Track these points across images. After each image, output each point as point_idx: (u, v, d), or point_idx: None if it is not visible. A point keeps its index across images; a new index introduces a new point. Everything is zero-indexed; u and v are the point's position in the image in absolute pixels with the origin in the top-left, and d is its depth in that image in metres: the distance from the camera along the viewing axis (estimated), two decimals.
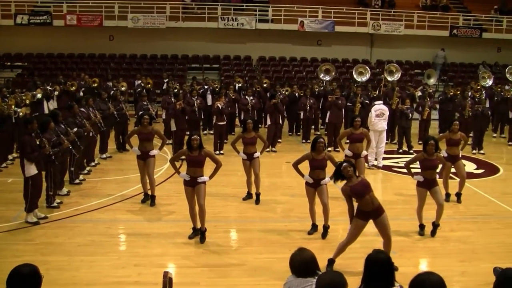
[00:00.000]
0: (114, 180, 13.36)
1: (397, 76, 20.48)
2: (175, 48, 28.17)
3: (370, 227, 10.24)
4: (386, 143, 18.36)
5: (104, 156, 15.45)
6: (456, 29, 28.59)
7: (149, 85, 20.82)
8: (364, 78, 20.64)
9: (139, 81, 21.69)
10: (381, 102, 15.57)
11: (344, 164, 8.11)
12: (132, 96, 22.04)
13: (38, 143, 9.96)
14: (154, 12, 26.80)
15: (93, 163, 14.46)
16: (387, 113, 15.09)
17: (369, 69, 21.47)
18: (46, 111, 17.20)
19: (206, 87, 20.15)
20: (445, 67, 29.31)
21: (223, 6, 27.60)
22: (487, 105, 19.73)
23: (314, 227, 9.88)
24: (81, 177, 13.04)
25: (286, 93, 19.28)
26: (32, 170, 9.83)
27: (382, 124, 14.92)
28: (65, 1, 26.94)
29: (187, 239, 9.45)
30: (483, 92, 19.97)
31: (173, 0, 27.52)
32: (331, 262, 8.27)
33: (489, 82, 21.28)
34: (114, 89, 18.51)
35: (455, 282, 7.97)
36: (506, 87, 20.68)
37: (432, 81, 21.25)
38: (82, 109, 13.33)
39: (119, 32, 27.29)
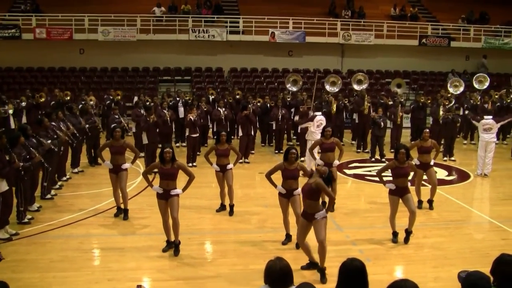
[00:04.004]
0: (86, 195, 13.22)
1: (365, 85, 20.64)
2: (146, 61, 28.09)
3: (343, 235, 10.34)
4: (358, 152, 18.67)
5: (76, 170, 15.29)
6: (425, 38, 29.00)
7: (119, 97, 20.70)
8: (336, 88, 20.72)
9: (107, 95, 21.50)
10: (320, 113, 15.69)
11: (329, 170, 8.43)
12: (101, 110, 21.82)
13: (8, 158, 9.82)
14: (125, 25, 26.70)
15: (64, 178, 14.30)
16: (325, 123, 15.28)
17: (340, 79, 21.60)
18: (13, 126, 17.03)
19: (178, 99, 20.10)
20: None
21: (193, 18, 27.61)
22: (461, 113, 20.05)
23: (288, 237, 9.89)
24: (52, 192, 12.87)
25: (258, 104, 19.33)
26: (3, 186, 9.67)
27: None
28: (34, 14, 26.72)
29: (161, 252, 9.38)
30: (453, 99, 20.24)
31: (143, 13, 27.45)
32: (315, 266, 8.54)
33: (461, 89, 21.58)
34: (83, 102, 18.31)
35: (428, 287, 8.06)
36: (476, 95, 21.00)
37: (399, 91, 21.47)
38: (53, 123, 13.18)
39: (90, 45, 27.11)
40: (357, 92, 20.68)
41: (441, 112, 17.96)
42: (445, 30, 30.07)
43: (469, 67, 30.05)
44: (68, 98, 20.16)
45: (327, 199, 9.15)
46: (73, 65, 27.74)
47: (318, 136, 14.80)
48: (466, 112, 18.25)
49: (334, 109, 18.24)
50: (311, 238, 8.44)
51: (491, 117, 15.61)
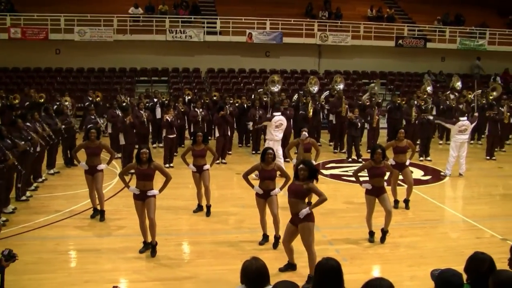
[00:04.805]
0: (62, 196, 13.10)
1: (341, 86, 20.67)
2: (123, 61, 27.90)
3: (320, 235, 10.37)
4: (335, 153, 18.75)
5: (51, 171, 15.14)
6: (402, 40, 29.23)
7: (98, 98, 20.63)
8: (315, 89, 20.69)
9: (86, 96, 21.41)
10: (280, 113, 15.79)
11: (300, 166, 8.29)
12: (81, 111, 21.66)
13: None
14: (101, 25, 26.50)
15: (40, 179, 14.15)
16: (285, 123, 15.44)
17: (318, 80, 21.60)
18: None
19: (155, 100, 20.02)
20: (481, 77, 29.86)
21: (171, 19, 27.53)
22: (434, 113, 20.22)
23: (265, 238, 9.90)
24: (28, 193, 12.72)
25: (236, 104, 19.32)
26: None
27: (281, 134, 15.32)
28: (8, 13, 26.40)
29: (138, 253, 9.33)
30: (430, 100, 20.40)
31: (120, 13, 27.29)
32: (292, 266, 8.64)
33: (430, 88, 21.76)
34: (57, 103, 18.11)
35: (404, 287, 8.14)
36: (452, 96, 21.19)
37: (376, 89, 21.56)
38: (28, 124, 13.01)
39: (66, 46, 26.85)
40: (334, 92, 20.73)
41: (413, 113, 18.12)
42: (421, 32, 30.34)
43: (445, 68, 30.35)
44: (42, 100, 19.93)
45: (312, 200, 9.13)
46: (49, 66, 27.47)
47: (275, 138, 14.99)
48: (432, 118, 18.15)
49: (311, 113, 18.30)
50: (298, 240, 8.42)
51: (465, 118, 15.76)
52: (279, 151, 14.67)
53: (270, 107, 19.15)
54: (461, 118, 15.65)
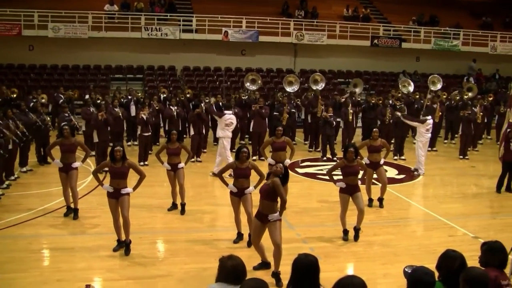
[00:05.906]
0: (35, 194, 12.97)
1: (321, 85, 20.68)
2: (98, 59, 27.62)
3: (294, 234, 10.40)
4: (310, 151, 18.80)
5: (24, 169, 14.97)
6: (377, 39, 29.41)
7: (76, 95, 20.51)
8: (294, 88, 20.63)
9: (57, 93, 21.22)
10: (231, 112, 15.83)
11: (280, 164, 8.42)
12: (49, 108, 21.43)
13: None
14: (76, 22, 26.21)
15: (13, 177, 13.97)
16: (235, 123, 15.71)
17: (298, 79, 21.56)
18: None
19: (129, 97, 19.88)
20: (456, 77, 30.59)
21: (146, 16, 27.36)
22: (405, 113, 20.38)
23: (240, 236, 9.92)
24: (0, 191, 12.59)
25: (212, 102, 19.27)
26: None
27: (230, 133, 15.53)
28: None
29: (111, 252, 9.28)
30: (403, 99, 20.55)
31: (95, 10, 27.05)
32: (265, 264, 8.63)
33: (411, 89, 21.89)
34: (34, 100, 17.93)
35: (378, 284, 8.20)
36: (429, 96, 21.35)
37: (358, 90, 21.61)
38: (0, 122, 12.85)
39: (40, 42, 26.51)
40: (310, 93, 20.74)
41: (388, 113, 18.24)
42: (397, 32, 30.58)
43: (420, 68, 30.63)
44: (15, 95, 19.72)
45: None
46: (22, 62, 27.09)
47: (227, 135, 15.03)
48: (400, 115, 18.23)
49: (285, 121, 18.15)
50: (267, 238, 8.40)
51: (430, 117, 16.00)
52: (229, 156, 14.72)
53: (247, 106, 19.16)
54: (427, 117, 15.84)
